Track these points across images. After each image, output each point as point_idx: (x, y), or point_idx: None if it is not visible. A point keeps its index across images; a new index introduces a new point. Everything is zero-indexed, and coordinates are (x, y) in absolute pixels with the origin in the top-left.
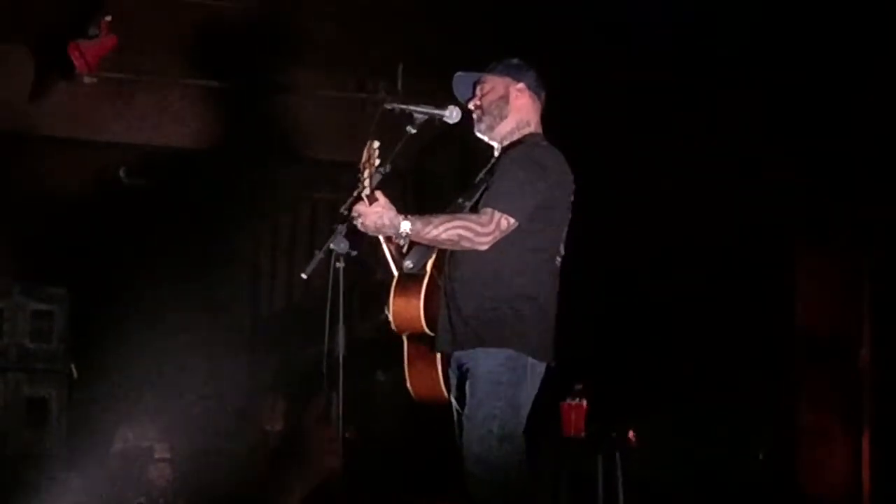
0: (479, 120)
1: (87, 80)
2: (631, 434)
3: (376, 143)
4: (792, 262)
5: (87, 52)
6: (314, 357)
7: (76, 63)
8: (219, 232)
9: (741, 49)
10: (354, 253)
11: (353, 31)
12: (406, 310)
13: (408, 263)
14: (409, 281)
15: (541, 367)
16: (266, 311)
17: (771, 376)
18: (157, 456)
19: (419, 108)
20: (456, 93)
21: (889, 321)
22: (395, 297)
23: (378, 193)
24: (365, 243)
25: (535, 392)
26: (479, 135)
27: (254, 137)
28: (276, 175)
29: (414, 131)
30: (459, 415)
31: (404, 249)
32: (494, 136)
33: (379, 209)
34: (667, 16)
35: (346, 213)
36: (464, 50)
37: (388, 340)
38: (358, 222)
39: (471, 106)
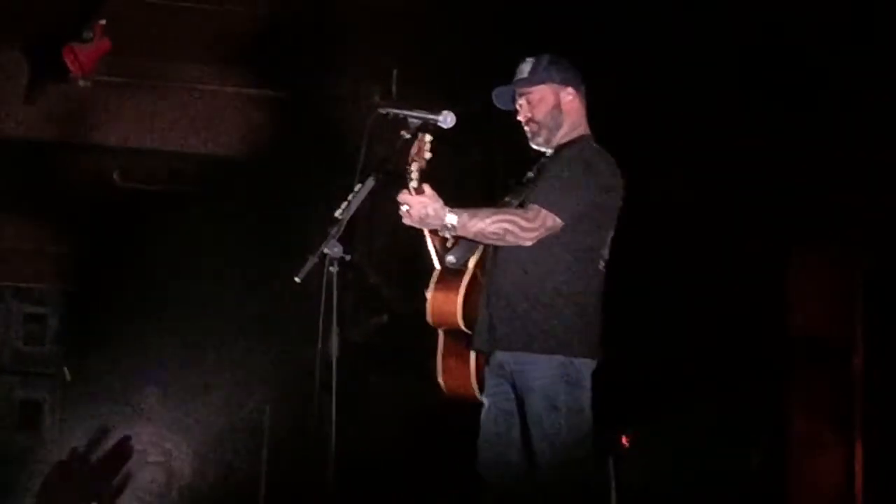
0: (537, 134)
1: (81, 83)
2: (624, 439)
3: (428, 137)
4: (785, 268)
5: (82, 55)
6: (307, 361)
7: (70, 66)
8: (212, 235)
9: (737, 49)
10: (348, 257)
11: (348, 35)
12: (444, 304)
13: (450, 258)
14: (450, 276)
15: (591, 364)
16: (261, 314)
17: (763, 382)
18: (150, 459)
19: (413, 113)
20: (497, 104)
21: (882, 327)
22: (434, 290)
23: (425, 185)
24: (358, 247)
25: (589, 387)
26: (535, 147)
27: (249, 141)
28: (271, 181)
29: (408, 136)
30: (490, 414)
31: (448, 244)
32: (551, 145)
33: (425, 199)
34: (650, 15)
35: (339, 216)
36: (460, 55)
37: (381, 344)
38: (402, 212)
39: (520, 118)
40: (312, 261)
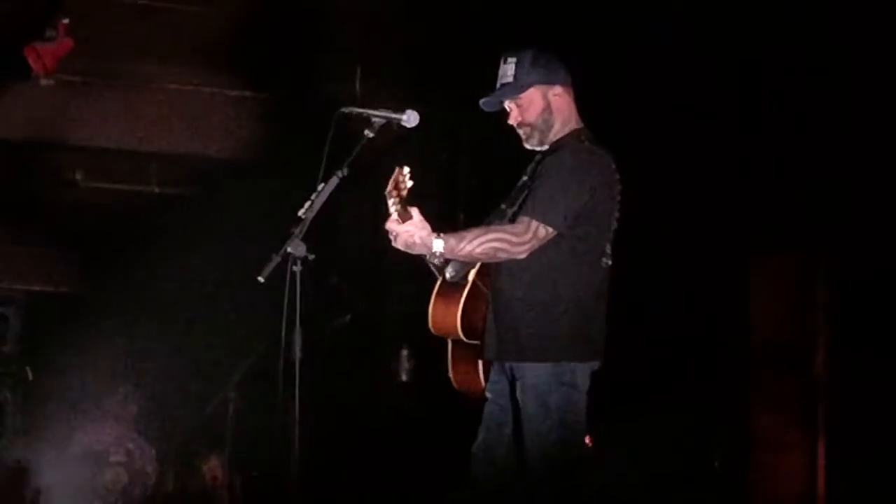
0: (530, 136)
1: (43, 82)
2: (588, 439)
3: (406, 169)
4: (747, 268)
5: (45, 54)
6: (271, 359)
7: (33, 65)
8: (175, 235)
9: (700, 53)
10: (312, 256)
11: (313, 34)
12: (444, 317)
13: (449, 272)
14: (450, 289)
15: (589, 367)
16: (224, 313)
17: (726, 383)
18: (112, 460)
19: (377, 112)
20: (485, 108)
21: (844, 327)
22: (434, 302)
23: (413, 211)
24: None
25: (586, 390)
26: (530, 147)
27: (215, 141)
28: (238, 180)
29: (371, 135)
30: (488, 408)
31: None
32: (546, 145)
33: (411, 228)
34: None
35: (302, 216)
36: (425, 54)
37: (345, 343)
38: (392, 238)
39: (512, 122)
40: (276, 260)
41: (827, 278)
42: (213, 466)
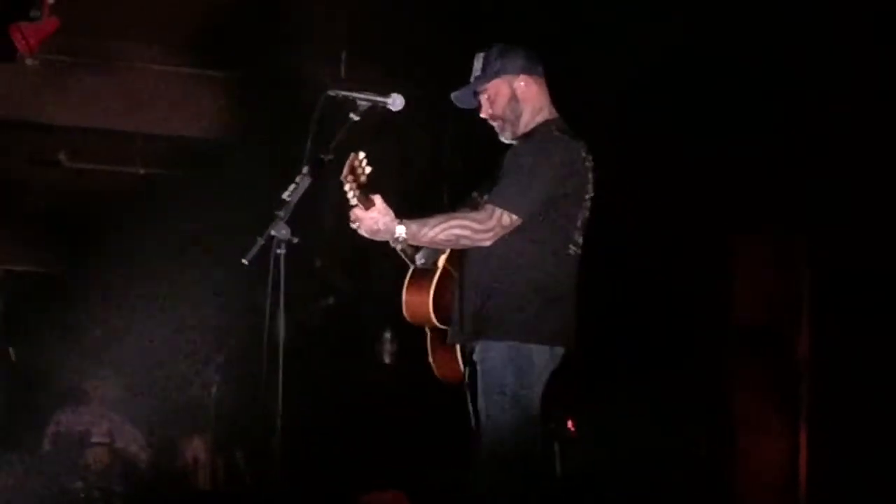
0: (503, 129)
1: (28, 62)
2: (570, 424)
3: (362, 155)
4: (730, 252)
5: (29, 33)
6: (254, 341)
7: (18, 45)
8: (159, 216)
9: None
10: (296, 240)
11: (300, 16)
12: (417, 304)
13: (419, 259)
14: (421, 276)
15: (552, 352)
16: (208, 294)
17: (708, 367)
18: (94, 440)
19: (362, 95)
20: (459, 105)
21: (826, 311)
22: (406, 291)
23: (376, 198)
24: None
25: (546, 375)
26: (505, 141)
27: (198, 122)
28: (222, 161)
29: (357, 118)
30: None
31: (400, 246)
32: (517, 135)
33: (375, 214)
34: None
35: (287, 199)
36: (408, 38)
37: (328, 326)
38: (356, 227)
39: (483, 116)
40: (260, 243)
41: (809, 263)
42: (195, 447)
